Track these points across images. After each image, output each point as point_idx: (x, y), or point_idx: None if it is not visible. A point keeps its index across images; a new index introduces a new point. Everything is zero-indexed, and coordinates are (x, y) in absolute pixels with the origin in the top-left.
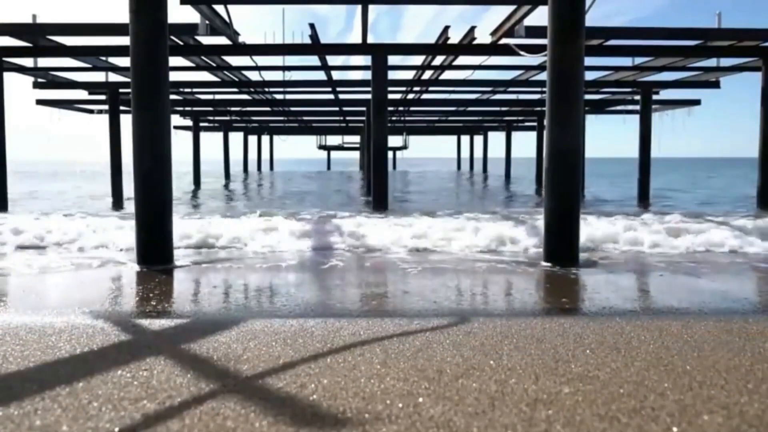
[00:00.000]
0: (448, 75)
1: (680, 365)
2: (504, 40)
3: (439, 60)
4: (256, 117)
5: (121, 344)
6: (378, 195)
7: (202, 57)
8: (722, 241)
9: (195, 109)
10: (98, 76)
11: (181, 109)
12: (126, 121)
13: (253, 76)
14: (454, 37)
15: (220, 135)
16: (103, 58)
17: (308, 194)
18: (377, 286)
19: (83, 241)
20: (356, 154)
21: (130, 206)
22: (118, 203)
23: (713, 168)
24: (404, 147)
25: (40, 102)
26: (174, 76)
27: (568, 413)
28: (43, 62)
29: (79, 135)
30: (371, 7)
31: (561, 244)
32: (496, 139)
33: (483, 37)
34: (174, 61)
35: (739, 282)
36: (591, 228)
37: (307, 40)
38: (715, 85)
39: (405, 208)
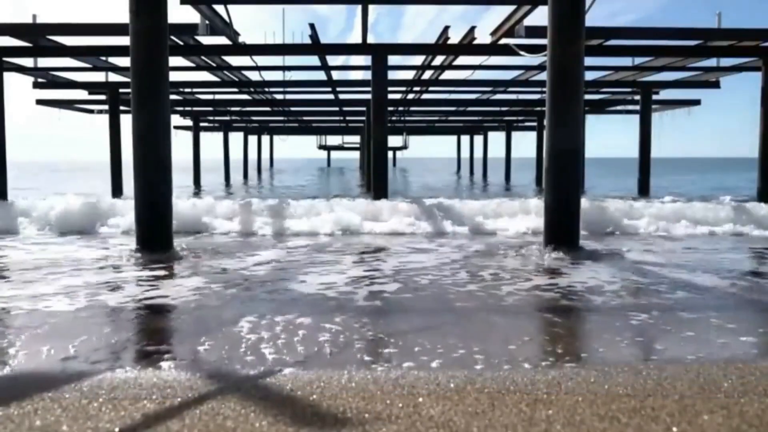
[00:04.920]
0: (448, 75)
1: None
2: (504, 40)
3: (439, 60)
4: (256, 117)
5: None
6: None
7: (202, 57)
8: None
9: (195, 109)
10: (98, 76)
11: (181, 109)
12: (126, 121)
13: (253, 76)
14: (454, 37)
15: (220, 135)
16: (103, 58)
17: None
18: None
19: None
20: (356, 154)
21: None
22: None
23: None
24: (404, 147)
25: (40, 102)
26: (174, 76)
27: (568, 413)
28: (43, 62)
29: (79, 135)
30: (371, 7)
31: (561, 241)
32: (497, 139)
33: (483, 37)
34: (174, 61)
35: None
36: None
37: (307, 40)
38: (715, 85)
39: None
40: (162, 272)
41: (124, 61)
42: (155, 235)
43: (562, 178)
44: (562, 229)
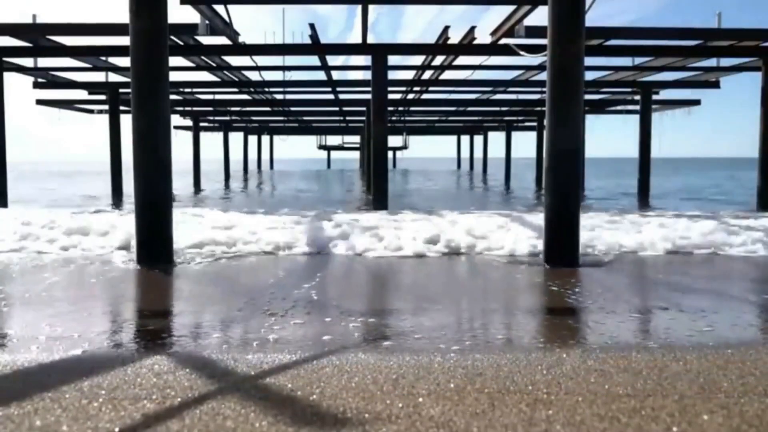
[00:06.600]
0: (448, 75)
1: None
2: (504, 40)
3: (439, 60)
4: (256, 117)
5: None
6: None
7: (202, 57)
8: None
9: (195, 109)
10: (98, 76)
11: (181, 109)
12: (126, 121)
13: (253, 76)
14: (454, 37)
15: (220, 135)
16: (103, 58)
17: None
18: None
19: None
20: (356, 154)
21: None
22: (118, 203)
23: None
24: (404, 147)
25: (40, 102)
26: (174, 76)
27: (568, 413)
28: (43, 62)
29: (79, 135)
30: (371, 7)
31: (561, 243)
32: (497, 139)
33: (483, 37)
34: (174, 61)
35: None
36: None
37: (307, 40)
38: (715, 85)
39: None
40: (157, 270)
41: (124, 61)
42: (155, 234)
43: (562, 178)
44: (563, 228)
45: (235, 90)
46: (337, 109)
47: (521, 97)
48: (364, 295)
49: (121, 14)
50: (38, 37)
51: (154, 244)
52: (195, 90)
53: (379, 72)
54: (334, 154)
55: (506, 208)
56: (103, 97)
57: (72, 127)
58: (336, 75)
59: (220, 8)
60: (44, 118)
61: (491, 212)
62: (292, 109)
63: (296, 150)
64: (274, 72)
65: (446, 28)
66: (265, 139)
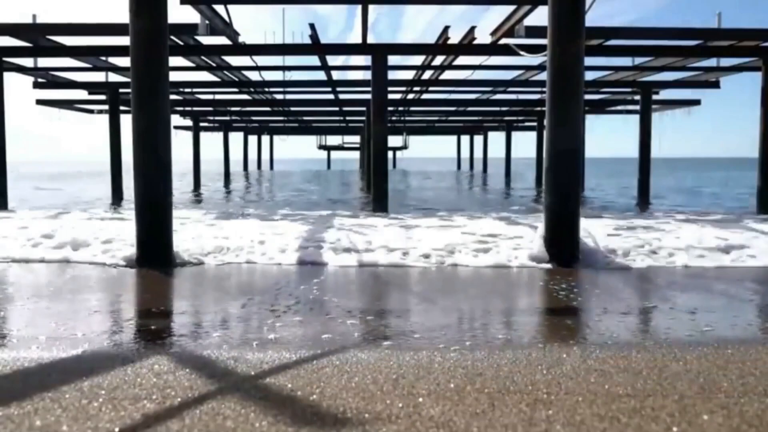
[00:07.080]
0: (448, 75)
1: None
2: (504, 40)
3: (439, 60)
4: (256, 117)
5: None
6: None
7: (202, 57)
8: None
9: (195, 109)
10: (98, 76)
11: (181, 109)
12: (126, 121)
13: (253, 76)
14: (454, 37)
15: (220, 135)
16: (103, 58)
17: None
18: None
19: None
20: (356, 154)
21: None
22: (118, 204)
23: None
24: (404, 147)
25: (40, 102)
26: (174, 76)
27: (568, 413)
28: (43, 62)
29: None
30: (371, 7)
31: (561, 243)
32: (497, 139)
33: (483, 37)
34: (174, 61)
35: None
36: None
37: (307, 40)
38: (715, 85)
39: None
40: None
41: (124, 61)
42: (155, 235)
43: (562, 178)
44: (562, 228)
45: (235, 90)
46: (337, 109)
47: (521, 97)
48: (364, 297)
49: (121, 14)
50: (38, 37)
51: (154, 245)
52: (195, 90)
53: (379, 72)
54: (334, 154)
55: (506, 209)
56: (103, 97)
57: (72, 127)
58: (336, 75)
59: (220, 8)
60: (44, 118)
61: (491, 214)
62: (292, 109)
63: (296, 150)
64: (274, 72)
65: (446, 28)
66: (265, 139)
